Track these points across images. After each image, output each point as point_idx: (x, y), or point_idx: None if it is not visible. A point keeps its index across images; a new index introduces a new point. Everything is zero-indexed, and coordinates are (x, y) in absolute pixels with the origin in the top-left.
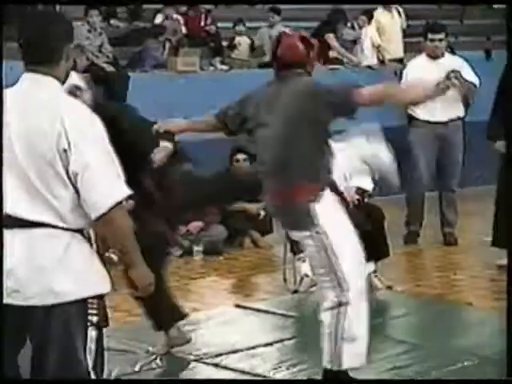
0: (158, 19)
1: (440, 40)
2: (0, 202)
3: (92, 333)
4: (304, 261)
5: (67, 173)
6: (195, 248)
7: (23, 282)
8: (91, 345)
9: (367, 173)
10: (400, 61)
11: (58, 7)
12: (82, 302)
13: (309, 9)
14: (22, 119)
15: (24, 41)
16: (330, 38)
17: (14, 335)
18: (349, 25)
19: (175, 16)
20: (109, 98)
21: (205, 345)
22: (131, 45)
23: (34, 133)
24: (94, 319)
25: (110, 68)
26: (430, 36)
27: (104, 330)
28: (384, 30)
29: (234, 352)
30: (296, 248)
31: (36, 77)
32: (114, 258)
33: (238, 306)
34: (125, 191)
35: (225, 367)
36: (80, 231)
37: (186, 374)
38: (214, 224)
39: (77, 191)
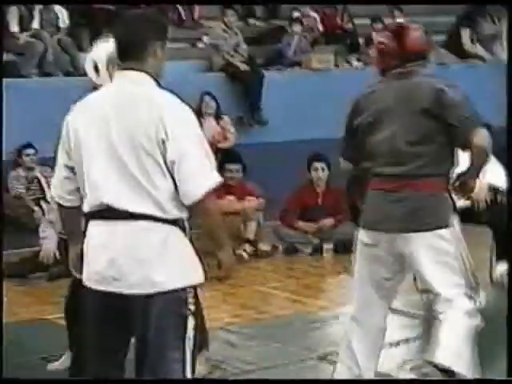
0: (296, 14)
1: None
2: (0, 203)
3: (191, 321)
4: None
5: (165, 162)
6: (325, 246)
7: (125, 271)
8: (190, 334)
9: (500, 168)
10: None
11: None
12: (181, 291)
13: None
14: (119, 113)
15: (115, 40)
16: (464, 32)
17: (116, 326)
18: (488, 19)
19: (312, 13)
20: (244, 97)
21: (328, 344)
22: (268, 43)
23: (133, 125)
24: (192, 308)
25: (244, 67)
26: None
27: None
28: None
29: None
30: None
31: (127, 73)
32: (244, 255)
33: None
34: (217, 179)
35: None
36: (177, 223)
37: (309, 373)
38: (345, 221)
39: (174, 180)
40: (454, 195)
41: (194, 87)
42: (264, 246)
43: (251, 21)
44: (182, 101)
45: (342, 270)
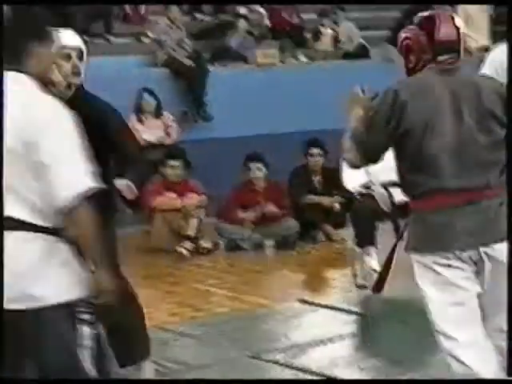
0: (242, 10)
1: None
2: (0, 201)
3: (86, 330)
4: (372, 256)
5: (37, 165)
6: (266, 242)
7: (5, 285)
8: (87, 342)
9: None
10: (486, 49)
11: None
12: (66, 305)
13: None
14: (5, 114)
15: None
16: None
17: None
18: None
19: (259, 9)
20: (188, 92)
21: (264, 341)
22: (214, 38)
23: (8, 127)
24: (87, 317)
25: (188, 62)
26: None
27: None
28: (472, 18)
29: (292, 348)
30: (364, 242)
31: (11, 74)
32: (184, 252)
33: (302, 301)
34: (90, 184)
35: (280, 364)
36: (57, 233)
37: (240, 372)
38: (286, 217)
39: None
40: None
41: (137, 82)
42: (205, 243)
43: (198, 16)
44: (99, 99)
45: (282, 266)
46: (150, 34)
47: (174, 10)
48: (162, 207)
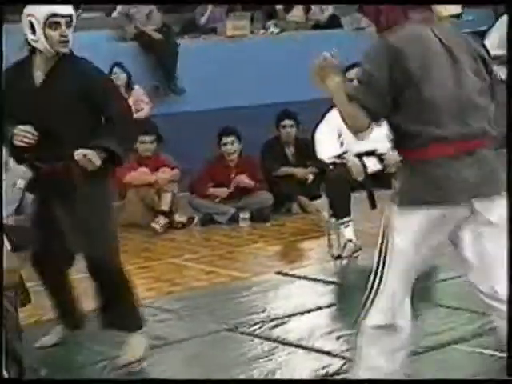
0: None
1: None
2: (0, 202)
3: None
4: (348, 226)
5: None
6: (241, 215)
7: None
8: None
9: None
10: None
11: None
12: None
13: None
14: None
15: None
16: None
17: None
18: None
19: None
20: (159, 65)
21: (241, 314)
22: (183, 11)
23: None
24: None
25: (158, 36)
26: None
27: None
28: None
29: (271, 320)
30: (339, 212)
31: None
32: (157, 227)
33: (279, 273)
34: None
35: (259, 336)
36: None
37: (218, 345)
38: (260, 190)
39: None
40: None
41: (107, 57)
42: (179, 218)
43: None
44: None
45: (258, 238)
46: (118, 7)
47: None
48: (135, 182)
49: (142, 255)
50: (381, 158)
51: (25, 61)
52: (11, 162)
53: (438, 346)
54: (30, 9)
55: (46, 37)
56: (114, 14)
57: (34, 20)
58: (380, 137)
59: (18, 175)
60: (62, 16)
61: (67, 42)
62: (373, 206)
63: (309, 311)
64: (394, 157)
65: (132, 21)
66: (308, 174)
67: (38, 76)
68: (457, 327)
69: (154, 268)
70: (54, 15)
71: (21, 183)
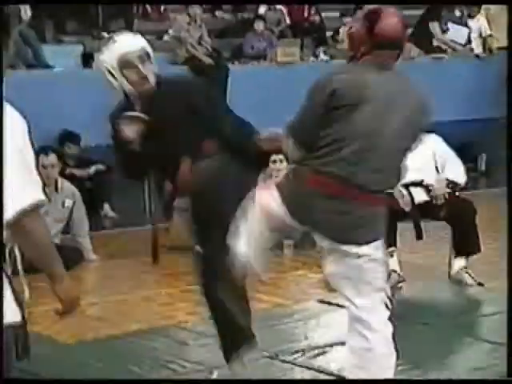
0: (262, 9)
1: None
2: (0, 201)
3: None
4: (392, 255)
5: None
6: (285, 242)
7: None
8: None
9: (460, 165)
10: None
11: None
12: None
13: None
14: None
15: None
16: (434, 25)
17: None
18: (457, 13)
19: (278, 6)
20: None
21: (282, 341)
22: (233, 36)
23: None
24: None
25: (208, 60)
26: None
27: None
28: (493, 17)
29: (311, 350)
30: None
31: None
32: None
33: (321, 301)
34: (35, 197)
35: (299, 365)
36: None
37: (260, 372)
38: None
39: None
40: None
41: None
42: None
43: (218, 13)
44: None
45: (301, 266)
46: (170, 31)
47: (195, 8)
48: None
49: (185, 278)
50: (428, 188)
51: (123, 103)
52: (61, 181)
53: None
54: (102, 57)
55: (126, 79)
56: (166, 38)
57: (109, 67)
58: (427, 168)
59: (67, 196)
60: (134, 53)
61: (146, 78)
62: (419, 236)
63: None
64: (441, 188)
65: (183, 44)
66: None
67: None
68: (501, 363)
69: (196, 291)
70: (125, 55)
71: (69, 203)
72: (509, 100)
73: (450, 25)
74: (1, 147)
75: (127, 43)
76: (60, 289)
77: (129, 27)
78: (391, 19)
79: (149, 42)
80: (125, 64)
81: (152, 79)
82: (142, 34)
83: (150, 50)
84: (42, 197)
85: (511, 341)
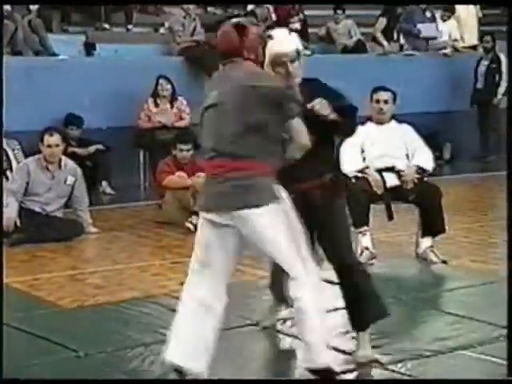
0: (250, 6)
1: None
2: (0, 197)
3: None
4: (365, 234)
5: None
6: None
7: None
8: None
9: (428, 153)
10: (474, 48)
11: None
12: None
13: None
14: None
15: None
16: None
17: None
18: (428, 14)
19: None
20: (201, 79)
21: (264, 310)
22: None
23: None
24: None
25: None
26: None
27: None
28: (462, 20)
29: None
30: (358, 221)
31: None
32: (191, 226)
33: None
34: None
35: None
36: None
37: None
38: None
39: None
40: None
41: (156, 69)
42: None
43: (210, 8)
44: None
45: None
46: (166, 24)
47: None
48: (173, 185)
49: (175, 251)
50: (399, 174)
51: None
52: (64, 160)
53: (445, 351)
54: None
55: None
56: (162, 30)
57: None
58: (399, 155)
59: (70, 173)
60: (287, 55)
61: (294, 74)
62: (390, 217)
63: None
64: (410, 173)
65: (177, 36)
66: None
67: None
68: (464, 334)
69: (185, 263)
70: (279, 55)
71: (71, 180)
72: (509, 97)
73: (419, 25)
74: (1, 146)
75: (283, 44)
76: None
77: (128, 20)
78: (225, 35)
79: (146, 33)
80: (278, 63)
81: (298, 75)
82: (141, 26)
83: (301, 48)
84: None
85: (511, 341)
